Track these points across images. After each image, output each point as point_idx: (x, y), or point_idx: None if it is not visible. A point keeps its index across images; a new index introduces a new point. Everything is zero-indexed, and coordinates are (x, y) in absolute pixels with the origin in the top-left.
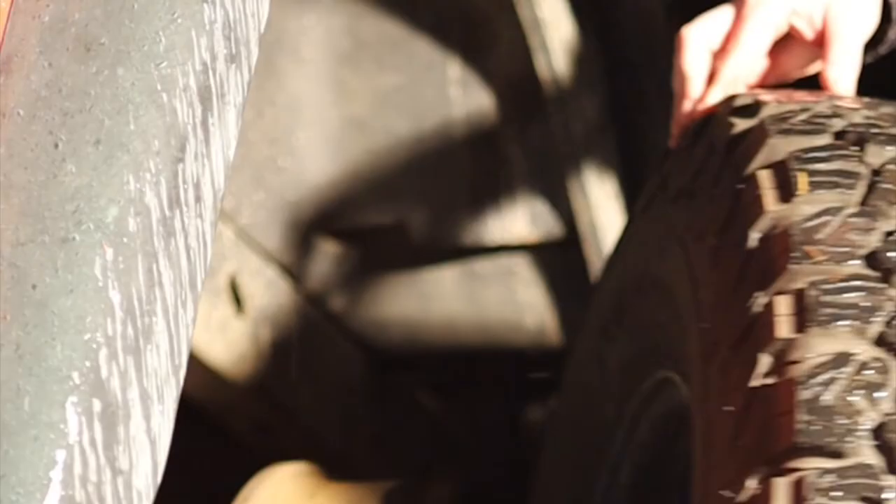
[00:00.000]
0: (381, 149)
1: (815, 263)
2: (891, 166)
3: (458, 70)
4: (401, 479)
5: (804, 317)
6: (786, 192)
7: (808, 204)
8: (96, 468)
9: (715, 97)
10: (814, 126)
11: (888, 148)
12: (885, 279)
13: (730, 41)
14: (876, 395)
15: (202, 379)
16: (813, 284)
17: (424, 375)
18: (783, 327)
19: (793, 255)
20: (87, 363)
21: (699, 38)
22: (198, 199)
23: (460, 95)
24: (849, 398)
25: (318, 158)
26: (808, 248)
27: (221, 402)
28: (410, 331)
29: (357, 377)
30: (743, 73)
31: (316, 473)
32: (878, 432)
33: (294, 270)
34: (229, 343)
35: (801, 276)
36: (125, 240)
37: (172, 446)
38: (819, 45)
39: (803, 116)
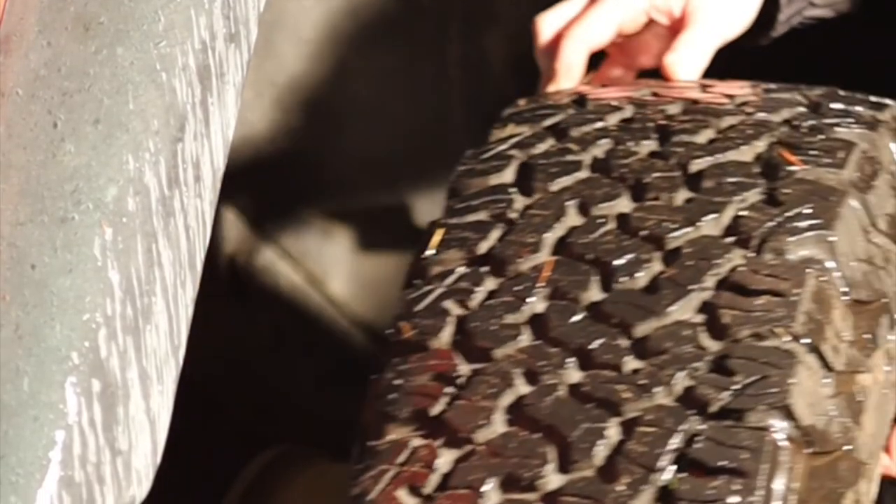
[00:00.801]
0: (380, 130)
1: (403, 341)
2: (533, 210)
3: (458, 50)
4: None
5: (376, 404)
6: (421, 251)
7: (434, 265)
8: (95, 448)
9: (549, 91)
10: (502, 161)
11: (558, 181)
12: (469, 355)
13: (566, 30)
14: (419, 486)
15: (201, 360)
16: (392, 367)
17: None
18: (364, 414)
19: (389, 331)
20: (87, 343)
21: (551, 25)
22: (197, 178)
23: (460, 76)
24: (395, 492)
25: (317, 139)
26: (403, 322)
27: (220, 384)
28: None
29: (357, 359)
30: (576, 63)
31: (315, 456)
32: None
33: (293, 252)
34: (229, 324)
35: (389, 357)
36: (124, 219)
37: (171, 428)
38: (675, 34)
39: (504, 147)
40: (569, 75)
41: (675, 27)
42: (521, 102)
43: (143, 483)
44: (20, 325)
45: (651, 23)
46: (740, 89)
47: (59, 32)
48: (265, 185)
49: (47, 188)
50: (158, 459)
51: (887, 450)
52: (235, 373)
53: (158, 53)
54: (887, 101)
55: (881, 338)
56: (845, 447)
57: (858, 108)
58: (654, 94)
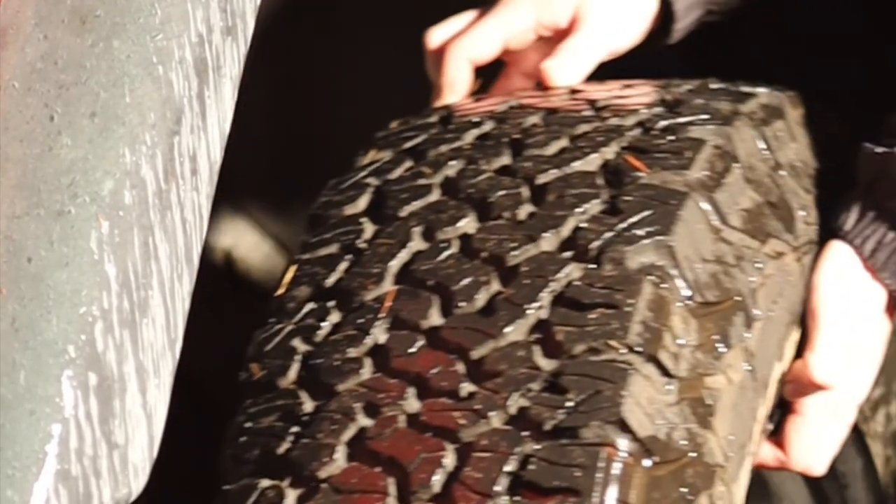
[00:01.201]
0: (379, 123)
1: (254, 383)
2: (380, 239)
3: None
4: None
5: (230, 448)
6: (275, 288)
7: (286, 303)
8: (92, 442)
9: (436, 106)
10: (358, 190)
11: (407, 206)
12: (314, 392)
13: (449, 44)
14: None
15: (196, 354)
16: (244, 409)
17: None
18: (221, 458)
19: (241, 373)
20: (83, 337)
21: (438, 39)
22: (194, 171)
23: None
24: None
25: (316, 132)
26: (253, 363)
27: (216, 379)
28: None
29: None
30: (460, 77)
31: None
32: None
33: (291, 245)
34: (226, 318)
35: (242, 399)
36: (121, 213)
37: (167, 424)
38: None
39: (362, 174)
40: (453, 90)
41: (561, 37)
42: (393, 125)
43: (139, 477)
44: (16, 318)
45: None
46: (607, 92)
47: (56, 25)
48: (262, 178)
49: (44, 181)
50: (155, 453)
51: (781, 446)
52: (232, 368)
53: (155, 46)
54: (759, 89)
55: (734, 337)
56: (692, 454)
57: (719, 103)
58: (520, 106)
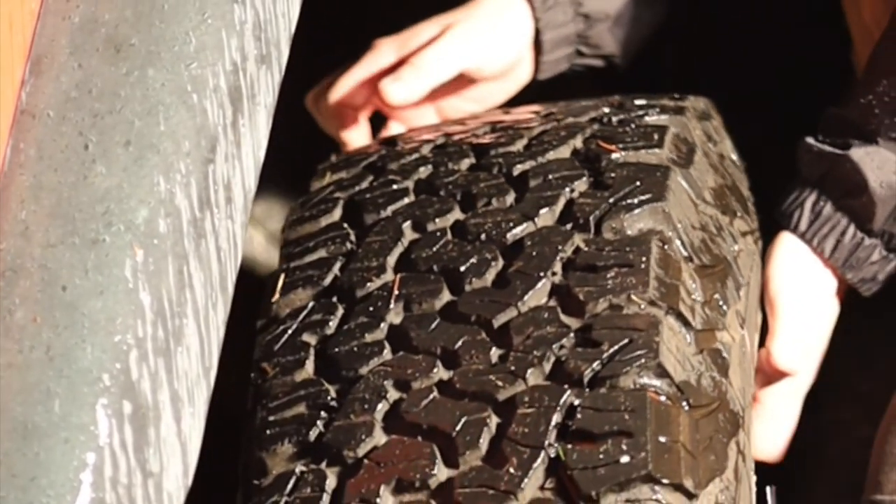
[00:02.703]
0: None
1: (268, 380)
2: (370, 238)
3: None
4: None
5: (254, 445)
6: (268, 298)
7: (283, 307)
8: (127, 470)
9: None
10: (329, 203)
11: (389, 207)
12: (336, 378)
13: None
14: None
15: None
16: (264, 406)
17: None
18: (243, 458)
19: (253, 375)
20: (118, 365)
21: (314, 95)
22: (228, 200)
23: None
24: None
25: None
26: (265, 364)
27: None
28: None
29: None
30: (352, 118)
31: None
32: None
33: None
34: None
35: (257, 399)
36: (155, 241)
37: None
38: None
39: (327, 191)
40: (354, 129)
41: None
42: (334, 157)
43: None
44: (51, 346)
45: None
46: (542, 107)
47: (90, 54)
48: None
49: (78, 210)
50: (189, 481)
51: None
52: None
53: (189, 75)
54: (687, 96)
55: (731, 298)
56: (719, 400)
57: (662, 101)
58: (460, 123)
